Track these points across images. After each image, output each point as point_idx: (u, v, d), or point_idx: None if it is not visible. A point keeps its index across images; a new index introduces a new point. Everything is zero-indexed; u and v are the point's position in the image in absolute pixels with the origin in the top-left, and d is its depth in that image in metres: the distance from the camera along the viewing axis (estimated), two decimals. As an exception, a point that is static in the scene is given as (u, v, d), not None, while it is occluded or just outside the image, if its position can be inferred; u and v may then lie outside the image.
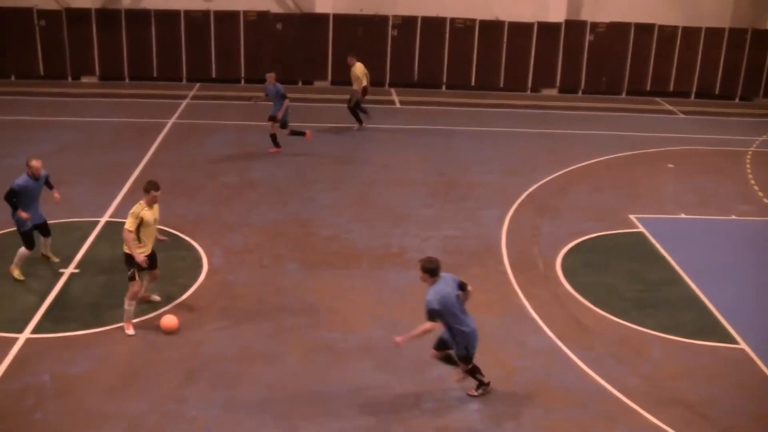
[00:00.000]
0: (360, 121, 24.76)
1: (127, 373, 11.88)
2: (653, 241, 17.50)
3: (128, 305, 12.71)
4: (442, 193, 19.75)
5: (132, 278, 12.62)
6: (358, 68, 24.23)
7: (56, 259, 15.09)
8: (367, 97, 24.78)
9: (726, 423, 11.54)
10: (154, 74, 30.20)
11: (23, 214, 14.02)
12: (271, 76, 21.50)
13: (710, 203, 20.15)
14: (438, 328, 11.12)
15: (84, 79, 30.32)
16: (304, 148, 22.47)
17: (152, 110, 26.28)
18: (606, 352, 13.14)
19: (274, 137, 22.07)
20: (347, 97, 25.00)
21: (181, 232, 16.33)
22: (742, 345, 13.59)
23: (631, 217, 18.76)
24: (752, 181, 21.98)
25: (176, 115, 25.74)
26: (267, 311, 13.78)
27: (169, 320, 12.87)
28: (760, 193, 21.04)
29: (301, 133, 22.22)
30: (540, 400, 11.78)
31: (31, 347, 12.43)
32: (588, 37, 31.15)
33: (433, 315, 10.80)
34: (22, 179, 14.05)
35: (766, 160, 24.07)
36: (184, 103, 27.23)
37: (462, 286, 11.23)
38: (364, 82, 24.20)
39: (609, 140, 25.09)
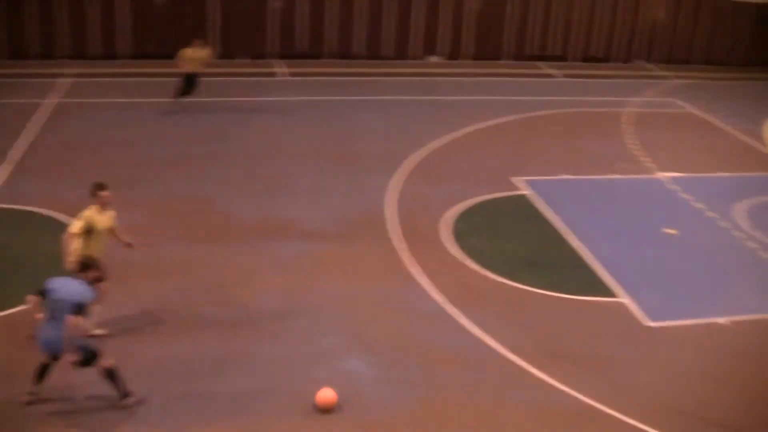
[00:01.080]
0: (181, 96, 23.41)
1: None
2: (538, 202, 17.89)
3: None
4: (329, 163, 19.73)
5: (100, 280, 11.84)
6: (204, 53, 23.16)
7: None
8: (250, 70, 24.37)
9: (611, 373, 11.98)
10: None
11: None
12: None
13: (591, 163, 20.68)
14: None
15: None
16: (188, 122, 22.12)
17: (27, 90, 25.38)
18: (496, 314, 13.41)
19: None
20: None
21: (68, 215, 15.86)
22: (623, 298, 14.09)
23: (517, 179, 19.10)
24: (629, 140, 22.63)
25: (55, 94, 24.89)
26: (155, 290, 13.57)
27: (326, 397, 10.84)
28: (637, 152, 21.69)
29: None
30: (433, 364, 11.96)
31: None
32: (470, 3, 31.29)
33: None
34: None
35: (642, 119, 24.78)
36: (61, 81, 26.39)
37: (77, 309, 9.90)
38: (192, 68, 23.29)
39: (493, 105, 25.40)
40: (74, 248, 11.44)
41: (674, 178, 19.93)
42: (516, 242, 16.02)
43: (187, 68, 22.64)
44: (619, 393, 11.56)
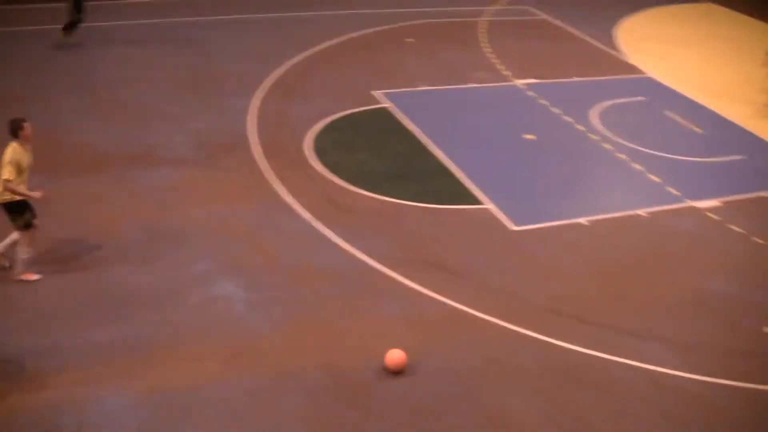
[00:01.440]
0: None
1: None
2: (398, 114, 17.96)
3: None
4: (186, 86, 19.23)
5: (30, 225, 11.49)
6: None
7: None
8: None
9: (480, 278, 12.31)
10: None
11: None
12: None
13: (449, 73, 20.83)
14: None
15: None
16: (34, 51, 21.15)
17: None
18: (363, 227, 13.51)
19: None
20: None
21: None
22: (488, 205, 14.41)
23: (376, 93, 19.10)
24: (486, 49, 22.87)
25: None
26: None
27: (396, 357, 10.41)
28: (494, 60, 21.96)
29: None
30: (305, 281, 11.99)
31: None
32: None
33: None
34: None
35: (497, 28, 25.03)
36: None
37: None
38: None
39: (348, 19, 25.16)
40: (21, 188, 11.20)
41: (531, 85, 20.31)
42: (379, 155, 16.10)
43: None
44: (489, 296, 11.89)
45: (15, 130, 11.24)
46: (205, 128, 16.90)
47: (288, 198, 14.25)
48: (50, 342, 10.46)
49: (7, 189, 11.09)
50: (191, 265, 12.24)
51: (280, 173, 15.07)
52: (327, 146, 16.28)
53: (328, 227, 13.37)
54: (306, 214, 13.75)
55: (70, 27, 21.28)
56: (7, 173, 10.99)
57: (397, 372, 10.29)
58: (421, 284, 12.00)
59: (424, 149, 16.43)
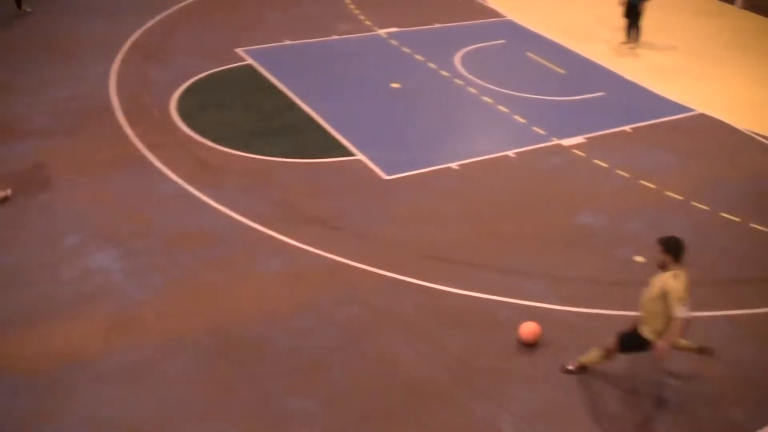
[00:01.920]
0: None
1: None
2: (263, 71, 17.77)
3: None
4: (41, 53, 18.51)
5: None
6: None
7: None
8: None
9: (356, 229, 12.37)
10: None
11: None
12: None
13: (311, 26, 20.69)
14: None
15: None
16: None
17: None
18: (235, 187, 13.38)
19: None
20: None
21: None
22: (359, 155, 14.47)
23: (239, 50, 18.83)
24: (346, 0, 22.78)
25: None
26: None
27: (530, 330, 10.33)
28: (356, 11, 21.93)
29: None
30: (181, 246, 11.82)
31: None
32: None
33: None
34: None
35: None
36: None
37: None
38: None
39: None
40: None
41: (393, 34, 20.37)
42: (247, 113, 15.92)
43: None
44: (367, 246, 11.97)
45: None
46: (67, 96, 16.36)
47: (156, 163, 13.97)
48: None
49: None
50: (63, 238, 11.89)
51: (147, 138, 14.76)
52: (192, 107, 16.01)
53: (200, 190, 13.19)
54: (176, 178, 13.52)
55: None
56: None
57: (533, 344, 10.22)
58: (298, 240, 11.99)
59: (292, 104, 16.34)
